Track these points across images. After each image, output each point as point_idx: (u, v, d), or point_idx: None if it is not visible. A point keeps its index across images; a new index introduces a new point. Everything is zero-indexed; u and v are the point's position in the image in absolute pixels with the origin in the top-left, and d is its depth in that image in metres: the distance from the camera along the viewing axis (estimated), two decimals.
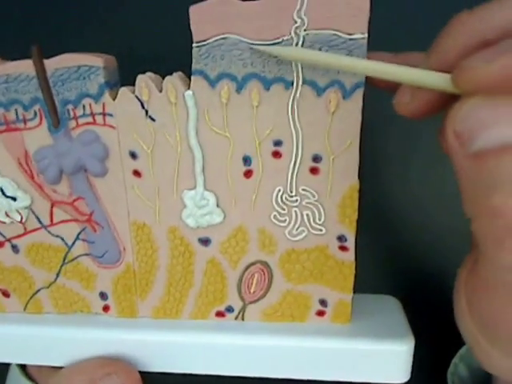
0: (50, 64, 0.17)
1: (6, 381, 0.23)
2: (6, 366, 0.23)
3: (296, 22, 0.16)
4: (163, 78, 0.17)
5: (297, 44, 0.16)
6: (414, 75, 0.13)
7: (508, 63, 0.11)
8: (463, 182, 0.12)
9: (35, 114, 0.18)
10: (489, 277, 0.13)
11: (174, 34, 0.24)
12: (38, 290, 0.21)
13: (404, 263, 0.25)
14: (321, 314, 0.20)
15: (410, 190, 0.24)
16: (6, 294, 0.21)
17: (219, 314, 0.20)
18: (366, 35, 0.16)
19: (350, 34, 0.16)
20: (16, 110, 0.18)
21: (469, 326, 0.15)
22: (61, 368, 0.21)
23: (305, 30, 0.16)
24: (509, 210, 0.11)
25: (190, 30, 0.23)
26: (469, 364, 0.23)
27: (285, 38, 0.16)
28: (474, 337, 0.15)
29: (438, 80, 0.12)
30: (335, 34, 0.16)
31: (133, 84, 0.17)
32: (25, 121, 0.18)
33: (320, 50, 0.16)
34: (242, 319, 0.20)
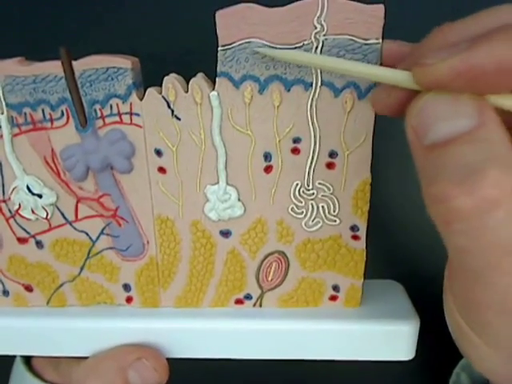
0: (79, 65, 0.18)
1: (10, 379, 0.24)
2: (11, 362, 0.24)
3: (316, 28, 0.17)
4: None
5: (316, 48, 0.17)
6: (382, 73, 0.14)
7: (458, 63, 0.11)
8: (419, 172, 0.13)
9: (62, 113, 0.19)
10: (454, 263, 0.14)
11: (174, 35, 0.24)
12: (62, 284, 0.22)
13: (405, 260, 0.27)
14: (333, 298, 0.21)
15: (410, 190, 0.26)
16: (29, 289, 0.22)
17: (238, 302, 0.22)
18: (381, 41, 0.17)
19: (366, 40, 0.17)
20: (43, 110, 0.19)
21: (456, 320, 0.15)
22: (83, 359, 0.22)
23: (324, 35, 0.17)
24: (447, 197, 0.12)
25: (192, 30, 0.24)
26: (470, 374, 0.23)
27: (305, 43, 0.17)
28: (463, 333, 0.15)
29: (402, 77, 0.13)
30: (352, 39, 0.17)
31: None
32: (52, 120, 0.19)
33: (338, 53, 0.17)
34: (260, 306, 0.22)
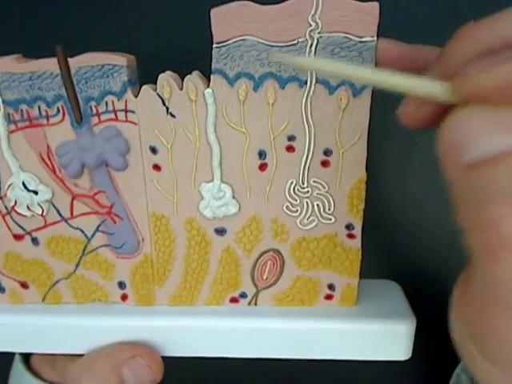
0: (74, 62, 0.18)
1: (9, 378, 0.24)
2: (10, 362, 0.24)
3: (311, 25, 0.17)
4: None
5: (311, 45, 0.17)
6: (416, 84, 0.12)
7: (504, 73, 0.10)
8: (456, 194, 0.12)
9: (58, 110, 0.19)
10: (482, 290, 0.13)
11: (171, 33, 0.25)
12: (58, 281, 0.22)
13: (402, 260, 0.27)
14: (329, 297, 0.21)
15: (409, 192, 0.26)
16: (25, 286, 0.22)
17: (233, 300, 0.21)
18: (375, 38, 0.17)
19: (361, 37, 0.17)
20: (39, 107, 0.19)
21: (467, 348, 0.14)
22: (78, 356, 0.22)
23: (319, 33, 0.17)
24: (503, 221, 0.10)
25: (189, 29, 0.24)
26: (471, 374, 0.22)
27: (300, 40, 0.17)
28: (474, 357, 0.14)
29: (439, 89, 0.12)
30: (346, 37, 0.17)
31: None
32: (47, 117, 0.19)
33: (333, 51, 0.17)
34: (255, 304, 0.22)
